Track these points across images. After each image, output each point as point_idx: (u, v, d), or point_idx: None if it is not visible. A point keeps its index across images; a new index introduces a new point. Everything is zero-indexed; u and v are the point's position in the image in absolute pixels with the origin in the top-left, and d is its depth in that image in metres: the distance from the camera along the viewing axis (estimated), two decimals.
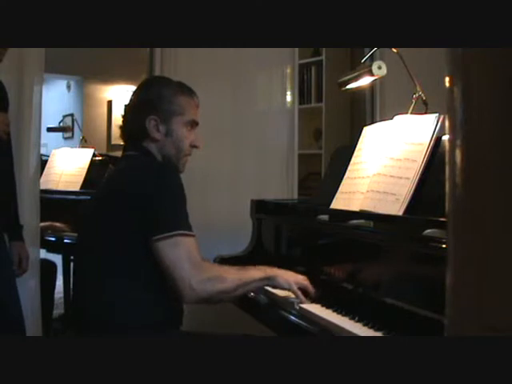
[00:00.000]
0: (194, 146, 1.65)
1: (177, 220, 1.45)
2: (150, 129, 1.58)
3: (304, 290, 1.60)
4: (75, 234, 2.83)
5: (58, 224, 2.94)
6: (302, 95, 3.85)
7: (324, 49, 3.79)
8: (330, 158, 2.19)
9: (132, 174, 1.53)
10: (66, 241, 2.90)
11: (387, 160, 1.64)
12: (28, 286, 2.32)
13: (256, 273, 1.57)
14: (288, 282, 1.59)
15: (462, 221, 0.59)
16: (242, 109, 2.85)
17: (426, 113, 1.74)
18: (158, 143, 1.59)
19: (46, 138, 3.84)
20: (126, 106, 1.66)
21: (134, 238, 1.45)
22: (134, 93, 1.67)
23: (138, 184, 1.48)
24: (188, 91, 1.65)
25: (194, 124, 1.65)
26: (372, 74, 1.90)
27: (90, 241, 1.56)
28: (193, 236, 1.45)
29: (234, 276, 1.50)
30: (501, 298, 0.55)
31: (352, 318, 1.43)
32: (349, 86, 2.06)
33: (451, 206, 0.60)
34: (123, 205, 1.47)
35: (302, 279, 1.61)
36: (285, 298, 1.64)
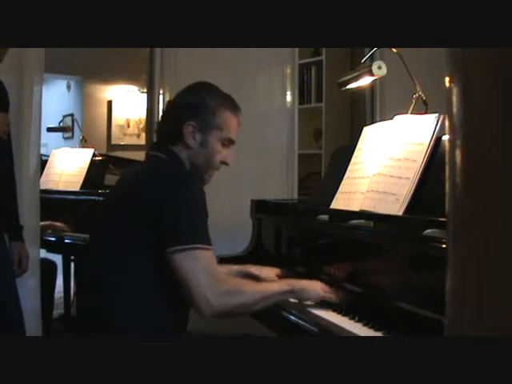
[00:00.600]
0: (223, 163, 1.62)
1: (197, 232, 1.41)
2: (186, 134, 1.53)
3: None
4: (75, 234, 2.84)
5: (58, 224, 2.94)
6: (302, 95, 3.84)
7: (324, 49, 3.79)
8: (330, 158, 2.19)
9: (156, 176, 1.48)
10: (66, 241, 2.89)
11: (387, 160, 1.64)
12: (28, 286, 2.32)
13: (278, 285, 1.54)
14: (316, 291, 1.55)
15: (462, 221, 0.59)
16: (241, 109, 2.84)
17: (425, 113, 1.74)
18: (191, 151, 1.55)
19: (46, 138, 3.84)
20: (167, 102, 1.61)
21: (137, 238, 1.44)
22: (180, 93, 1.63)
23: (158, 187, 1.43)
24: (234, 108, 1.61)
25: (230, 142, 1.61)
26: (372, 74, 1.90)
27: (93, 239, 1.56)
28: (211, 250, 1.41)
29: (254, 289, 1.46)
30: (501, 298, 0.55)
31: (352, 318, 1.43)
32: (349, 86, 2.06)
33: (451, 206, 0.60)
34: (136, 206, 1.43)
35: (324, 286, 1.58)
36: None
